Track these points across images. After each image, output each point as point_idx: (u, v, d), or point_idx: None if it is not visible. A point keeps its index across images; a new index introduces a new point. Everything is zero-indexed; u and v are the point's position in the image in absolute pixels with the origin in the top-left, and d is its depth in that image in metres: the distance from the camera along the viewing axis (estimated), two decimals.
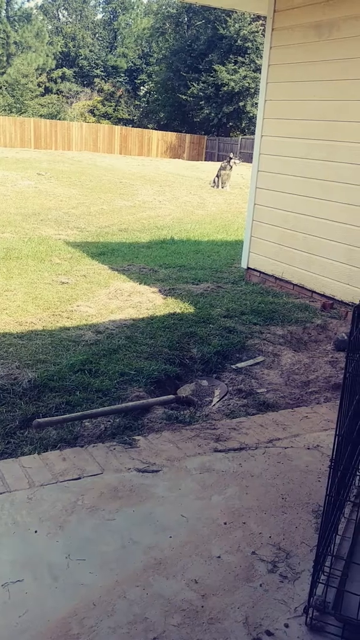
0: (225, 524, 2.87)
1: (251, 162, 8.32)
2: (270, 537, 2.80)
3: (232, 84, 39.70)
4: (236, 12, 35.66)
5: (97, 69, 52.30)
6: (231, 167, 21.36)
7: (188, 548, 2.69)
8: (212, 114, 41.59)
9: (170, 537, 2.76)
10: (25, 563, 2.54)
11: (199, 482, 3.21)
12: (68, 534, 2.74)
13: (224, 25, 39.78)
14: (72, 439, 3.77)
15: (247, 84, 39.82)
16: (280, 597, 2.44)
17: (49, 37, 49.82)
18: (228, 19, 39.65)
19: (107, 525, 2.81)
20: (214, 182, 21.55)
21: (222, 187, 21.08)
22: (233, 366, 5.21)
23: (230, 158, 21.75)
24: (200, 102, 41.43)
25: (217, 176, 21.42)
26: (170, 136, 41.74)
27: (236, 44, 39.96)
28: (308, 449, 3.68)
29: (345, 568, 2.50)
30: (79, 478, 3.18)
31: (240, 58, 40.10)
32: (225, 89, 39.96)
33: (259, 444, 3.69)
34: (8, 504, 2.92)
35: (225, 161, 21.85)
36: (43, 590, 2.40)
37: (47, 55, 47.80)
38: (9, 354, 4.93)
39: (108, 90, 51.64)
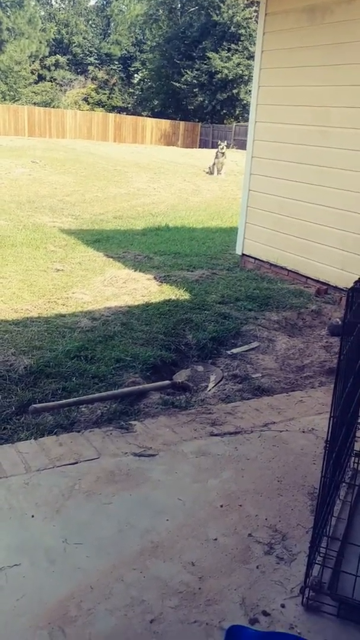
0: (221, 506, 2.89)
1: (245, 149, 8.29)
2: (266, 519, 2.82)
3: (226, 71, 39.42)
4: None
5: (90, 56, 51.84)
6: (223, 154, 21.44)
7: (185, 531, 2.70)
8: (206, 102, 41.34)
9: (167, 520, 2.77)
10: (22, 547, 2.55)
11: (195, 466, 3.23)
12: (65, 518, 2.75)
13: (217, 12, 39.44)
14: (68, 424, 3.77)
15: (240, 71, 39.56)
16: (276, 578, 2.45)
17: (42, 23, 49.31)
18: (222, 5, 39.31)
19: (104, 510, 2.82)
20: (209, 169, 21.72)
21: (217, 174, 21.18)
22: (228, 352, 5.22)
23: (219, 145, 21.89)
24: (194, 90, 41.15)
25: (214, 164, 21.62)
26: (165, 124, 41.47)
27: (229, 30, 39.64)
28: (303, 432, 3.69)
29: (341, 549, 2.52)
30: (76, 463, 3.19)
31: (233, 45, 39.78)
32: (219, 76, 39.68)
33: (255, 427, 3.71)
34: (4, 489, 2.93)
35: (218, 149, 21.99)
36: (40, 574, 2.41)
37: (40, 42, 47.30)
38: (5, 341, 4.92)
39: (102, 78, 51.23)
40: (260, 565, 2.52)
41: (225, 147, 21.96)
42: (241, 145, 31.79)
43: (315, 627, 2.23)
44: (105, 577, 2.41)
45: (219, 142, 23.25)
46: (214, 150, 23.19)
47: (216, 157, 21.70)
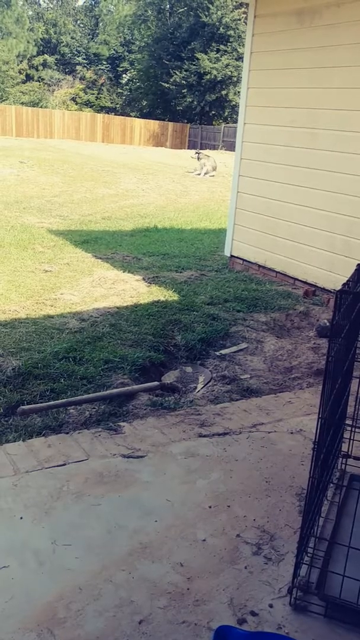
0: (210, 507, 2.90)
1: (234, 151, 8.31)
2: (254, 520, 2.83)
3: (215, 72, 39.52)
4: None
5: (78, 56, 51.77)
6: (199, 159, 22.20)
7: (173, 532, 2.71)
8: (195, 103, 41.41)
9: (156, 521, 2.78)
10: (10, 549, 2.55)
11: (183, 467, 3.24)
12: (54, 519, 2.75)
13: (206, 13, 39.52)
14: (57, 425, 3.77)
15: (229, 73, 39.67)
16: (264, 579, 2.47)
17: (30, 23, 49.17)
18: (210, 6, 39.39)
19: (92, 511, 2.82)
20: (195, 169, 22.05)
21: (204, 175, 21.39)
22: (217, 353, 5.23)
23: (197, 153, 23.07)
24: (183, 91, 41.20)
25: (201, 167, 21.96)
26: (153, 124, 41.49)
27: (218, 32, 39.74)
28: (291, 433, 3.71)
29: (329, 549, 2.54)
30: (65, 464, 3.19)
31: (222, 46, 39.89)
32: (207, 77, 39.77)
33: (243, 428, 3.72)
34: None
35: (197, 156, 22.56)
36: (29, 575, 2.41)
37: (28, 42, 47.20)
38: None
39: (90, 78, 51.15)
40: (249, 566, 2.54)
41: (197, 153, 22.84)
42: (230, 146, 31.87)
43: (303, 626, 2.25)
44: (94, 578, 2.41)
45: (195, 152, 23.89)
46: (202, 152, 23.61)
47: (199, 159, 22.05)
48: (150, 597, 2.33)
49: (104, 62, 51.62)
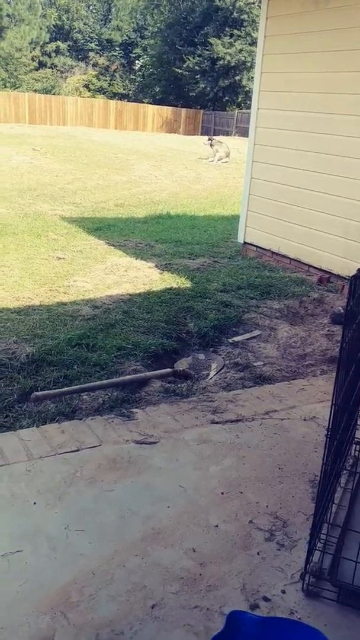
0: (222, 493, 2.90)
1: (247, 137, 8.24)
2: (267, 506, 2.83)
3: (228, 57, 39.14)
4: None
5: (91, 42, 51.50)
6: (212, 145, 22.23)
7: (186, 518, 2.72)
8: (208, 88, 41.08)
9: (169, 507, 2.78)
10: (24, 534, 2.57)
11: (196, 453, 3.24)
12: (67, 505, 2.76)
13: None
14: (70, 412, 3.79)
15: (243, 58, 39.27)
16: (277, 565, 2.47)
17: (42, 9, 48.95)
18: None
19: (105, 496, 2.83)
20: (210, 157, 22.01)
21: (217, 162, 21.35)
22: (230, 340, 5.22)
23: (209, 139, 23.17)
24: (196, 76, 40.87)
25: (214, 154, 21.93)
26: (166, 111, 41.26)
27: (232, 16, 39.29)
28: (304, 420, 3.70)
29: (341, 535, 2.53)
30: (78, 450, 3.20)
31: (236, 31, 39.47)
32: (221, 62, 39.40)
33: (256, 415, 3.72)
34: (7, 476, 2.94)
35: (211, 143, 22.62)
36: (42, 560, 2.43)
37: (41, 29, 46.97)
38: (7, 329, 4.93)
39: (103, 64, 50.91)
40: (261, 552, 2.54)
41: (210, 140, 22.92)
42: (243, 132, 31.64)
43: (315, 612, 2.25)
44: (107, 563, 2.43)
45: (208, 138, 23.86)
46: (215, 139, 23.53)
47: (212, 146, 22.08)
48: (163, 582, 2.34)
49: (117, 48, 51.32)
